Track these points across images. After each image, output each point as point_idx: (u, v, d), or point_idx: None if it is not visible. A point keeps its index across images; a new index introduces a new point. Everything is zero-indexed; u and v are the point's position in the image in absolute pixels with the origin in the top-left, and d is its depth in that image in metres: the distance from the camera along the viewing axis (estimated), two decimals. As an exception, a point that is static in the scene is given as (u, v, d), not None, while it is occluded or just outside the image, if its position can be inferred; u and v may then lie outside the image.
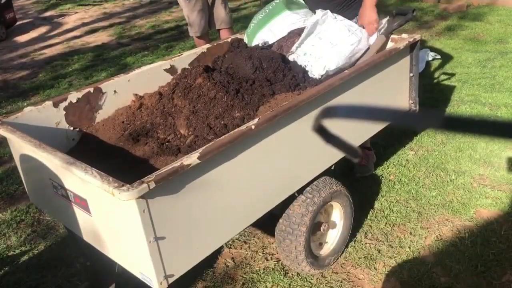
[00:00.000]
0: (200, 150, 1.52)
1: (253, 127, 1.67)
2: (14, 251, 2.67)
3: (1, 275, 2.51)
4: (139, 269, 1.57)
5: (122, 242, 1.62)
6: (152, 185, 1.37)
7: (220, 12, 3.96)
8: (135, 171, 1.81)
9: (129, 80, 2.36)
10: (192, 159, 1.48)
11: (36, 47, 7.41)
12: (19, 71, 6.25)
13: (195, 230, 1.61)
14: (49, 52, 7.08)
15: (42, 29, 8.66)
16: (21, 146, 1.82)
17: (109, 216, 1.60)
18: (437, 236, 2.48)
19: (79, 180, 1.56)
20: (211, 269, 2.40)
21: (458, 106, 3.82)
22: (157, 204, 1.44)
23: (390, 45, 2.65)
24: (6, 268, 2.56)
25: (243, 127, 1.67)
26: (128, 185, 1.36)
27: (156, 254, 1.48)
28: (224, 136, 1.63)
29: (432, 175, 3.00)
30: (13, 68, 6.43)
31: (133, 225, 1.44)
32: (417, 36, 2.51)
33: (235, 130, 1.67)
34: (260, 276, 2.34)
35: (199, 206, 1.60)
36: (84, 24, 8.71)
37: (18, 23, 8.76)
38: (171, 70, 2.49)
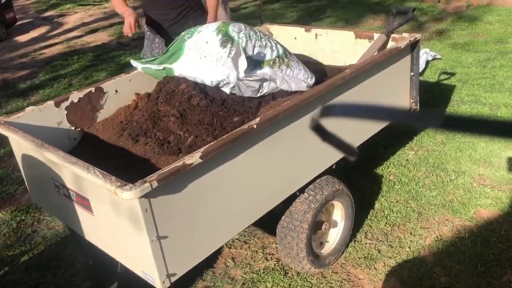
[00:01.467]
0: (202, 149, 1.52)
1: (254, 126, 1.67)
2: (14, 251, 2.67)
3: (1, 275, 2.51)
4: (141, 268, 1.57)
5: (124, 241, 1.62)
6: (155, 184, 1.37)
7: (220, 13, 3.96)
8: (137, 170, 1.81)
9: (130, 80, 2.37)
10: (194, 158, 1.48)
11: (36, 47, 7.41)
12: (19, 71, 6.25)
13: (198, 229, 1.61)
14: (49, 52, 7.07)
15: (42, 29, 8.65)
16: (22, 146, 1.82)
17: (111, 215, 1.60)
18: (437, 236, 2.48)
19: (81, 179, 1.55)
20: (211, 269, 2.40)
21: (458, 106, 3.82)
22: (159, 203, 1.44)
23: (391, 44, 2.65)
24: (6, 268, 2.55)
25: (245, 126, 1.67)
26: (130, 185, 1.36)
27: (159, 253, 1.48)
28: (226, 135, 1.63)
29: (432, 175, 3.00)
30: (13, 68, 6.43)
31: (136, 224, 1.44)
32: (418, 35, 2.51)
33: (237, 129, 1.67)
34: (260, 276, 2.34)
35: (202, 205, 1.60)
36: (84, 24, 8.70)
37: (18, 23, 8.75)
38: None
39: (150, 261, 1.48)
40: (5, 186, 3.37)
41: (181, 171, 1.45)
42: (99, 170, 1.46)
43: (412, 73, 2.58)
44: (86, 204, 1.67)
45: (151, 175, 1.40)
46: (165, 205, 1.47)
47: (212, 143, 1.57)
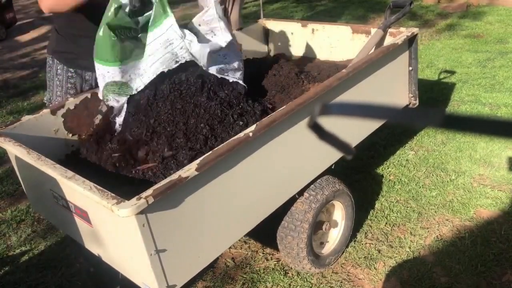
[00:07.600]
0: (197, 161, 1.49)
1: (250, 134, 1.64)
2: (14, 251, 2.67)
3: (1, 275, 2.51)
4: (142, 279, 1.57)
5: (124, 253, 1.62)
6: (151, 200, 1.36)
7: (234, 14, 3.98)
8: (135, 178, 1.81)
9: None
10: (190, 171, 1.46)
11: (36, 47, 7.41)
12: (19, 71, 6.25)
13: (196, 240, 1.60)
14: (49, 52, 7.07)
15: (42, 29, 8.65)
16: (19, 158, 1.80)
17: (109, 228, 1.60)
18: (437, 236, 2.48)
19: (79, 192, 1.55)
20: (211, 269, 2.40)
21: (458, 106, 3.82)
22: (156, 217, 1.43)
23: (388, 39, 2.64)
24: (6, 268, 2.56)
25: (241, 134, 1.64)
26: (126, 201, 1.34)
27: (158, 266, 1.48)
28: (221, 145, 1.59)
29: (432, 175, 3.00)
30: (13, 68, 6.43)
31: (134, 239, 1.43)
32: (416, 30, 2.48)
33: (233, 138, 1.63)
34: (260, 276, 2.34)
35: (199, 216, 1.59)
36: (84, 24, 8.69)
37: (18, 23, 8.75)
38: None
39: (150, 274, 1.48)
40: (5, 186, 3.37)
41: (177, 185, 1.43)
42: (95, 185, 1.44)
43: (410, 68, 2.56)
44: (84, 215, 1.66)
45: (147, 191, 1.38)
46: (162, 219, 1.45)
47: (207, 154, 1.54)
